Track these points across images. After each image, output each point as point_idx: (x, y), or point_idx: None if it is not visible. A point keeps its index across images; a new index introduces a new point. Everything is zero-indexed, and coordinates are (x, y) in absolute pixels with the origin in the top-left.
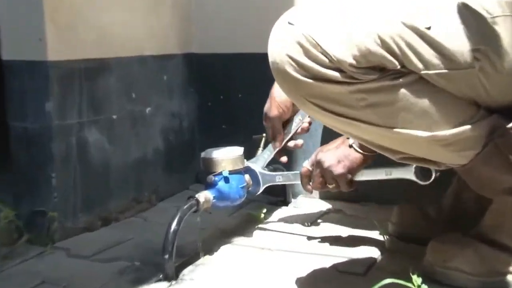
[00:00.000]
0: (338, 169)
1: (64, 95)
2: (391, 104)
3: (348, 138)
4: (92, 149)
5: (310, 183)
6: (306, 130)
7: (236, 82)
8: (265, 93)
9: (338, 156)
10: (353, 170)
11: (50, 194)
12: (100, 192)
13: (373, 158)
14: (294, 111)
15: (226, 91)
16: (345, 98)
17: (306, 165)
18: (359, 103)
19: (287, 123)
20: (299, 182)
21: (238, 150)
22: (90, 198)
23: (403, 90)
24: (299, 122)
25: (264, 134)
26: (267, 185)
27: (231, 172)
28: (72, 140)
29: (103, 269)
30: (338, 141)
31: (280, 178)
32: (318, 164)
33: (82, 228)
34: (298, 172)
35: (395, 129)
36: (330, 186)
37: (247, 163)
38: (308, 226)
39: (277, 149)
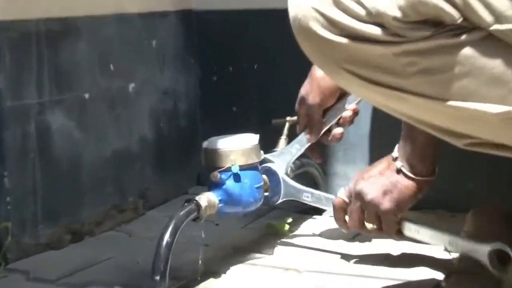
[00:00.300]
0: (384, 204)
1: (19, 67)
2: (450, 70)
3: (395, 160)
4: (57, 138)
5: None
6: (349, 121)
7: (250, 49)
8: (290, 64)
9: (383, 185)
10: (403, 204)
11: (0, 200)
12: (68, 197)
13: (429, 184)
14: (339, 98)
15: (237, 61)
16: (388, 62)
17: (342, 195)
18: (407, 69)
19: (326, 111)
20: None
21: (253, 139)
22: (56, 205)
23: (465, 51)
24: (341, 110)
25: (288, 118)
26: (288, 199)
27: (243, 168)
28: (30, 127)
29: None
30: (382, 164)
31: (308, 196)
32: (357, 196)
33: (45, 244)
34: (333, 198)
35: (454, 103)
36: (370, 227)
37: (266, 157)
38: (350, 240)
39: (310, 144)
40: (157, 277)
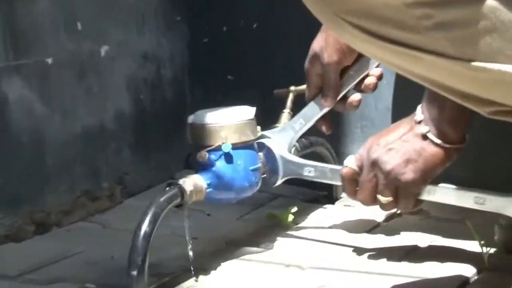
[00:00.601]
0: (407, 175)
1: None
2: (471, 25)
3: (419, 124)
4: (16, 112)
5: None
6: (372, 88)
7: (249, 4)
8: (296, 22)
9: (405, 153)
10: (428, 175)
11: None
12: (30, 181)
13: (458, 153)
14: (358, 57)
15: (233, 19)
16: (400, 15)
17: (351, 163)
18: (422, 23)
19: (343, 72)
20: (339, 183)
21: (248, 112)
22: (16, 190)
23: (489, 2)
24: (360, 72)
25: (292, 88)
26: (288, 177)
27: (236, 147)
28: None
29: None
30: (402, 127)
31: (311, 171)
32: (373, 165)
33: (4, 236)
34: (340, 168)
35: (476, 63)
36: (384, 200)
37: (264, 134)
38: (367, 232)
39: (325, 111)
40: (134, 272)
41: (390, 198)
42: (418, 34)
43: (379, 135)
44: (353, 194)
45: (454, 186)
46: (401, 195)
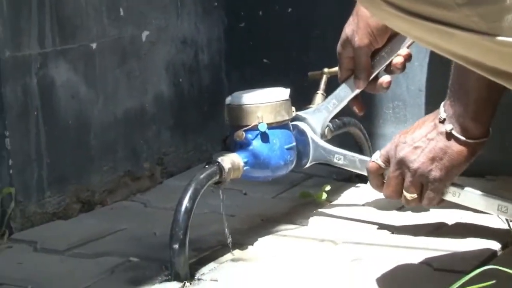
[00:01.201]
0: (433, 173)
1: (18, 11)
2: (499, 0)
3: (442, 122)
4: (62, 95)
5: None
6: (400, 68)
7: None
8: (330, 6)
9: (430, 151)
10: (454, 172)
11: (2, 162)
12: (76, 161)
13: (482, 147)
14: (389, 40)
15: (268, 4)
16: None
17: (377, 159)
18: (455, 0)
19: (374, 54)
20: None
21: (283, 93)
22: (62, 170)
23: None
24: (391, 54)
25: (325, 70)
26: (317, 162)
27: (271, 126)
28: (32, 81)
29: (85, 267)
30: (426, 125)
31: (340, 158)
32: (400, 162)
33: (51, 213)
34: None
35: (501, 37)
36: (410, 197)
37: (298, 115)
38: (399, 209)
39: (357, 92)
40: (176, 246)
41: (415, 195)
42: (451, 10)
43: (405, 131)
44: (379, 188)
45: (479, 192)
46: (428, 192)
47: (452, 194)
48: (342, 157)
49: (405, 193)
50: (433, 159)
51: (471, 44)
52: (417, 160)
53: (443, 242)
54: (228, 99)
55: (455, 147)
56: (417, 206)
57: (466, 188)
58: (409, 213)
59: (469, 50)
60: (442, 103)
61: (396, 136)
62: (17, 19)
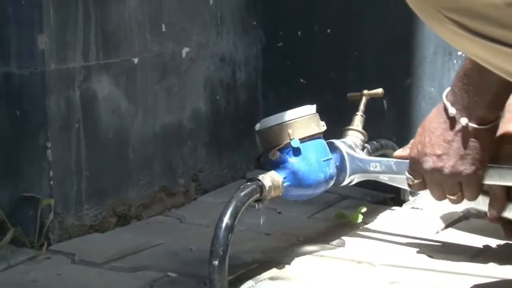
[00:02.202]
0: (466, 170)
1: (64, 24)
2: None
3: (455, 118)
4: (104, 109)
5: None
6: None
7: (323, 9)
8: (370, 28)
9: (456, 152)
10: (484, 160)
11: (43, 174)
12: (114, 174)
13: (499, 124)
14: None
15: (307, 24)
16: (500, 13)
17: (412, 180)
18: None
19: None
20: (403, 175)
21: (309, 108)
22: (101, 182)
23: None
24: None
25: (365, 91)
26: (356, 175)
27: (303, 141)
28: (75, 94)
29: (123, 280)
30: (439, 127)
31: (376, 165)
32: (431, 173)
33: (89, 226)
34: (406, 162)
35: None
36: (454, 197)
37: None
38: (437, 233)
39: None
40: (216, 262)
41: (458, 193)
42: None
43: (418, 141)
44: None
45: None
46: (466, 188)
47: (490, 177)
48: (378, 164)
49: (449, 196)
50: (461, 158)
51: None
52: (446, 166)
53: (485, 267)
54: (257, 126)
55: (476, 138)
56: (463, 201)
57: (507, 169)
58: (447, 236)
59: None
60: (445, 97)
61: (412, 151)
62: (63, 32)
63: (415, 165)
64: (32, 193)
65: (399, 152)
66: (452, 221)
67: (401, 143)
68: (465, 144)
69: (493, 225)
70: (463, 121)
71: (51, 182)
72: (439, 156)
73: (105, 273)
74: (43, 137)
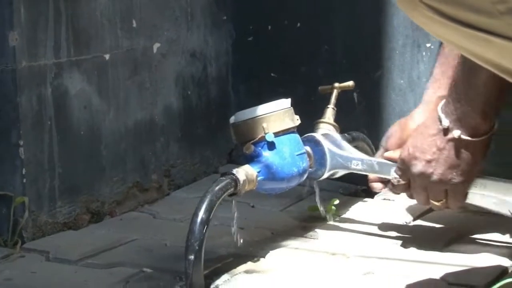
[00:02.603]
0: (454, 180)
1: (35, 22)
2: None
3: (448, 130)
4: (76, 105)
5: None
6: None
7: (293, 3)
8: (340, 21)
9: (446, 161)
10: (473, 173)
11: (16, 172)
12: (87, 171)
13: (492, 137)
14: None
15: (277, 18)
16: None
17: (398, 179)
18: (497, 7)
19: None
20: (388, 176)
21: (283, 102)
22: (74, 179)
23: None
24: None
25: (336, 84)
26: (335, 170)
27: (278, 135)
28: (47, 91)
29: (99, 277)
30: (431, 130)
31: (358, 164)
32: (419, 177)
33: (62, 224)
34: (389, 163)
35: None
36: (438, 204)
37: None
38: (407, 223)
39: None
40: (191, 257)
41: (442, 201)
42: (492, 17)
43: (411, 144)
44: (411, 197)
45: (498, 194)
46: (452, 196)
47: (474, 186)
48: (359, 162)
49: (433, 202)
50: (450, 167)
51: (507, 52)
52: (435, 173)
53: (454, 257)
54: (232, 119)
55: (468, 149)
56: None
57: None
58: (417, 227)
59: (504, 58)
60: (440, 108)
61: (403, 152)
62: (34, 29)
63: (404, 167)
64: (5, 191)
65: (390, 153)
66: (422, 212)
67: (372, 135)
68: (456, 154)
69: (462, 216)
70: (456, 133)
71: (24, 180)
72: (429, 161)
73: (80, 270)
74: (15, 134)
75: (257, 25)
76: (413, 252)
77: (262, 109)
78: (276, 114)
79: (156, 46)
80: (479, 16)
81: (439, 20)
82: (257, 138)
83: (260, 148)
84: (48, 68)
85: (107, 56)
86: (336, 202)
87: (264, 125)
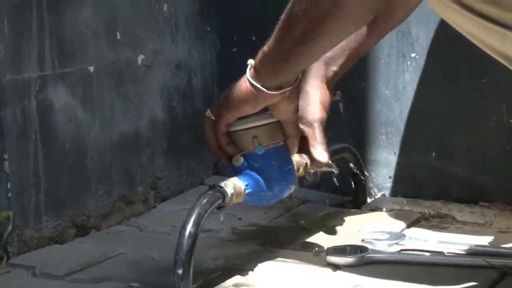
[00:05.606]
0: (220, 104)
1: (19, 34)
2: None
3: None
4: (60, 118)
5: None
6: None
7: (277, 15)
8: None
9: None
10: (235, 103)
11: (0, 186)
12: (72, 185)
13: (270, 101)
14: None
15: (261, 29)
16: None
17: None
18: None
19: None
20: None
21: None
22: (59, 193)
23: None
24: None
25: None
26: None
27: (268, 149)
28: (31, 104)
29: None
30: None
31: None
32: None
33: (48, 238)
34: None
35: None
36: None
37: None
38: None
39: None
40: (179, 271)
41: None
42: (509, 12)
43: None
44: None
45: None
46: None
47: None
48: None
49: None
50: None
51: None
52: (217, 102)
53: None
54: None
55: (243, 86)
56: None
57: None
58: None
59: None
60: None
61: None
62: (18, 42)
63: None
64: None
65: None
66: (411, 222)
67: (358, 145)
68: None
69: (454, 226)
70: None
71: (9, 194)
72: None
73: (67, 286)
74: None
75: (241, 36)
76: (401, 264)
77: (252, 121)
78: (267, 127)
79: (140, 58)
80: (496, 9)
81: (456, 9)
82: (246, 150)
83: (249, 160)
84: (32, 81)
85: (91, 68)
86: (323, 213)
87: (254, 136)
